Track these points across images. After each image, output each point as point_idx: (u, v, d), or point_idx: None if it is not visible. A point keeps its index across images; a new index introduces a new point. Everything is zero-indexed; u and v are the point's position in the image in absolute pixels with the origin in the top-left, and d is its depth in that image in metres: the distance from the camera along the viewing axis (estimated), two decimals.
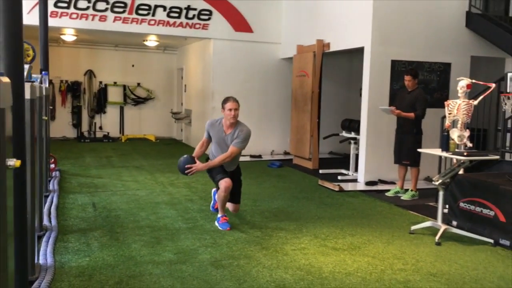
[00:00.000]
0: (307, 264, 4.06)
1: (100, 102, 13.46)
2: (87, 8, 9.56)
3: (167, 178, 7.83)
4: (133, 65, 13.72)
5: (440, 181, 5.00)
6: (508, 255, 4.49)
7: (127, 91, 13.75)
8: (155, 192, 6.76)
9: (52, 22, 8.69)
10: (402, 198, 6.78)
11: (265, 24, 10.75)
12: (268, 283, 3.64)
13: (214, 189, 5.55)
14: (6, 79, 1.73)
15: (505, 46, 7.74)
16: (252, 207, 6.00)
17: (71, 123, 13.36)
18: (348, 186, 7.50)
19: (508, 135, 6.72)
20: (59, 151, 9.88)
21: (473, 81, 5.27)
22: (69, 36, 11.39)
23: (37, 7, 7.58)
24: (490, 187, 4.93)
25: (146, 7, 9.97)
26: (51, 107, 11.74)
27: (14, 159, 1.73)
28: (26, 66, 3.56)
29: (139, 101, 13.88)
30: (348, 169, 8.53)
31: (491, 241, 4.75)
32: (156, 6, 10.02)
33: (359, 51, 8.16)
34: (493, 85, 5.35)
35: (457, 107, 5.15)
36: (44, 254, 3.99)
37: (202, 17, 10.35)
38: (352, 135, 8.39)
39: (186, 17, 10.25)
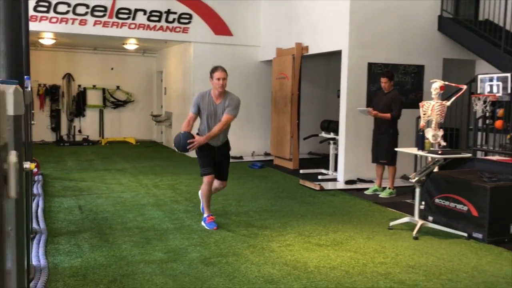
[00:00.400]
0: (293, 260, 4.25)
1: (79, 105, 13.41)
2: (67, 12, 9.57)
3: (151, 180, 7.92)
4: (112, 68, 13.71)
5: (416, 178, 5.26)
6: (481, 247, 4.76)
7: (106, 94, 13.73)
8: (140, 194, 6.85)
9: (31, 26, 8.65)
10: (380, 196, 7.03)
11: (245, 27, 10.93)
12: (257, 278, 3.81)
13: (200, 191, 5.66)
14: (19, 87, 1.87)
15: (475, 49, 8.08)
16: (237, 207, 6.16)
17: (50, 126, 13.28)
18: (328, 185, 7.73)
19: (479, 134, 7.04)
20: (39, 155, 9.84)
21: (446, 83, 5.55)
22: (47, 39, 11.35)
23: None
24: (463, 183, 5.21)
25: (126, 11, 10.03)
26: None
27: (29, 162, 1.85)
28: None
29: (118, 104, 13.88)
30: (327, 168, 8.77)
31: (465, 234, 5.02)
32: (136, 10, 10.09)
33: (336, 53, 8.41)
34: (465, 87, 5.65)
35: (431, 108, 5.42)
36: (37, 256, 4.07)
37: (182, 20, 10.47)
38: (331, 135, 8.63)
39: (167, 21, 10.35)
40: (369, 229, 5.30)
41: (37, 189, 6.82)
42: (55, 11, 9.48)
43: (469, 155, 5.60)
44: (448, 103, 5.48)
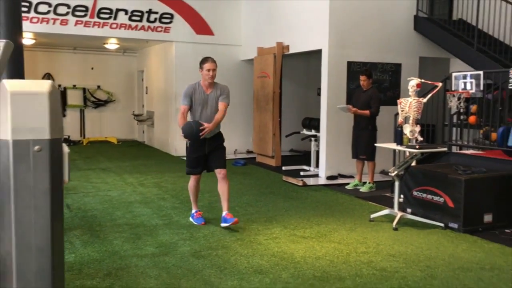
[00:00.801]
0: (280, 251, 4.43)
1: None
2: (48, 12, 9.57)
3: (136, 179, 8.01)
4: (92, 68, 13.69)
5: (395, 172, 5.50)
6: (457, 236, 5.02)
7: (87, 94, 13.70)
8: (126, 192, 6.95)
9: None
10: (361, 190, 7.27)
11: (226, 27, 11.07)
12: (247, 269, 3.98)
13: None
14: None
15: (449, 47, 8.39)
16: None
17: None
18: (311, 181, 7.94)
19: (455, 129, 7.34)
20: None
21: (422, 80, 5.81)
22: (27, 39, 11.28)
23: None
24: (439, 176, 5.47)
25: (108, 11, 10.07)
26: None
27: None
28: None
29: (99, 103, 13.86)
30: (309, 165, 8.99)
31: (442, 224, 5.28)
32: (117, 10, 10.14)
33: (317, 52, 8.63)
34: (440, 84, 5.91)
35: (409, 105, 5.66)
36: None
37: (163, 20, 10.55)
38: (313, 132, 8.85)
39: (148, 21, 10.42)
40: (351, 222, 5.52)
41: None
42: (36, 11, 9.47)
43: (445, 149, 5.87)
44: (425, 100, 5.73)
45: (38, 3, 9.47)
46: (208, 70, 5.15)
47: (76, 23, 9.85)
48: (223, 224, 5.06)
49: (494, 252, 4.51)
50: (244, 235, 4.91)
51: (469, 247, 4.67)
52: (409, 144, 5.52)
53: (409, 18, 8.75)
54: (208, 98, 5.20)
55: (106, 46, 12.19)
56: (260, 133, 10.13)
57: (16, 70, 2.96)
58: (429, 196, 5.52)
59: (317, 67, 8.62)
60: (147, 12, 10.38)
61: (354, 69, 8.30)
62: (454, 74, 6.48)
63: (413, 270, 4.01)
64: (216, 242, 4.69)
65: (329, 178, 8.09)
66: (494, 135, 6.24)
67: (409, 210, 5.77)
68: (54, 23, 9.67)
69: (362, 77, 7.27)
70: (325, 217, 5.73)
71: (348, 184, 7.57)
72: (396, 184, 5.54)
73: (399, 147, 5.58)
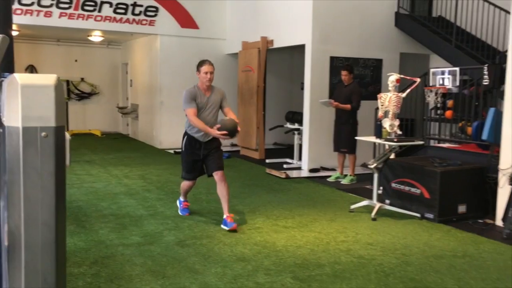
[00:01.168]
0: (263, 240, 4.59)
1: None
2: (32, 4, 9.53)
3: (120, 171, 8.09)
4: (76, 60, 13.65)
5: (374, 164, 5.69)
6: (432, 226, 5.24)
7: (70, 86, 13.66)
8: (111, 184, 7.03)
9: None
10: (342, 182, 7.46)
11: (211, 21, 11.15)
12: (230, 257, 4.13)
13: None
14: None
15: (428, 44, 8.62)
16: (207, 195, 6.43)
17: None
18: (294, 174, 8.11)
19: (435, 123, 7.57)
20: None
21: (401, 76, 5.99)
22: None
23: None
24: (416, 168, 5.67)
25: (92, 3, 10.07)
26: None
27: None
28: None
29: (83, 96, 13.83)
30: (292, 158, 9.16)
31: (418, 215, 5.49)
32: (102, 2, 10.14)
33: (300, 47, 8.78)
34: (418, 80, 6.10)
35: (388, 99, 5.84)
36: None
37: (148, 13, 10.59)
38: (296, 126, 9.01)
39: (133, 14, 10.45)
40: (331, 212, 5.70)
41: None
42: (20, 3, 9.43)
43: (422, 142, 6.08)
44: (404, 94, 5.91)
45: None
46: (206, 73, 5.04)
47: (60, 15, 9.84)
48: (223, 227, 4.94)
49: (467, 241, 4.73)
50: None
51: (443, 236, 4.88)
52: (388, 137, 5.70)
53: (390, 14, 8.95)
54: (208, 101, 5.10)
55: (90, 38, 12.17)
56: (245, 127, 10.24)
57: (6, 63, 3.04)
58: (407, 188, 5.73)
59: (301, 62, 8.77)
60: (131, 5, 10.40)
61: (337, 64, 8.47)
62: (432, 70, 6.69)
63: (389, 258, 4.19)
64: (200, 231, 4.82)
65: (311, 170, 8.26)
66: (469, 129, 6.47)
67: (387, 201, 5.97)
68: (38, 15, 9.64)
69: (343, 72, 7.44)
70: (307, 208, 5.90)
71: (330, 176, 7.75)
72: (375, 176, 5.72)
73: (378, 140, 5.77)
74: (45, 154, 1.07)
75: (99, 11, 10.15)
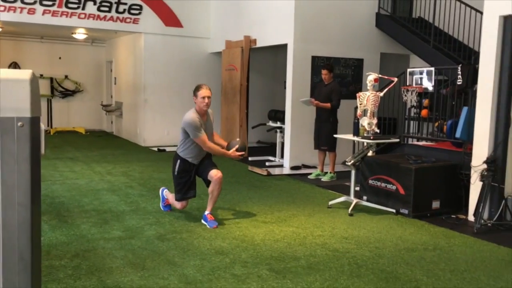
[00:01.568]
0: (241, 235, 4.71)
1: None
2: (15, 0, 9.51)
3: (103, 168, 8.14)
4: (60, 58, 13.62)
5: (352, 161, 5.84)
6: (406, 221, 5.40)
7: (54, 84, 13.63)
8: (94, 181, 7.09)
9: None
10: (322, 179, 7.62)
11: (194, 19, 11.23)
12: (209, 250, 4.24)
13: (162, 188, 5.70)
14: None
15: (408, 44, 8.81)
16: None
17: None
18: (275, 171, 8.25)
19: (412, 122, 7.75)
20: None
21: (380, 75, 6.16)
22: None
23: None
24: (392, 165, 5.84)
25: (76, 1, 10.08)
26: None
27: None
28: None
29: (67, 93, 13.81)
30: (274, 156, 9.30)
31: (394, 210, 5.66)
32: (86, 0, 10.15)
33: (283, 47, 8.92)
34: (396, 79, 6.28)
35: (367, 98, 6.00)
36: None
37: (132, 11, 10.63)
38: (278, 124, 9.15)
39: (117, 11, 10.48)
40: (310, 208, 5.84)
41: None
42: (3, 0, 9.41)
43: (397, 140, 6.26)
44: (381, 94, 6.08)
45: None
46: (203, 98, 4.99)
47: (44, 12, 9.83)
48: (203, 222, 5.04)
49: (438, 235, 4.91)
50: None
51: (417, 230, 5.05)
52: (365, 135, 5.86)
53: (371, 15, 9.13)
54: (206, 126, 5.12)
55: (74, 36, 12.18)
56: (228, 125, 10.37)
57: None
58: (383, 184, 5.89)
59: (284, 61, 8.90)
60: (115, 3, 10.44)
61: (318, 64, 8.61)
62: (409, 70, 6.87)
63: (363, 251, 4.34)
64: (180, 226, 4.92)
65: (293, 168, 8.41)
66: (445, 128, 6.66)
67: (364, 197, 6.13)
68: (21, 12, 9.63)
69: (323, 71, 7.59)
70: (286, 204, 6.03)
71: (310, 174, 7.90)
72: (353, 172, 5.88)
73: (355, 138, 5.93)
74: (21, 142, 1.18)
75: (83, 8, 10.17)
